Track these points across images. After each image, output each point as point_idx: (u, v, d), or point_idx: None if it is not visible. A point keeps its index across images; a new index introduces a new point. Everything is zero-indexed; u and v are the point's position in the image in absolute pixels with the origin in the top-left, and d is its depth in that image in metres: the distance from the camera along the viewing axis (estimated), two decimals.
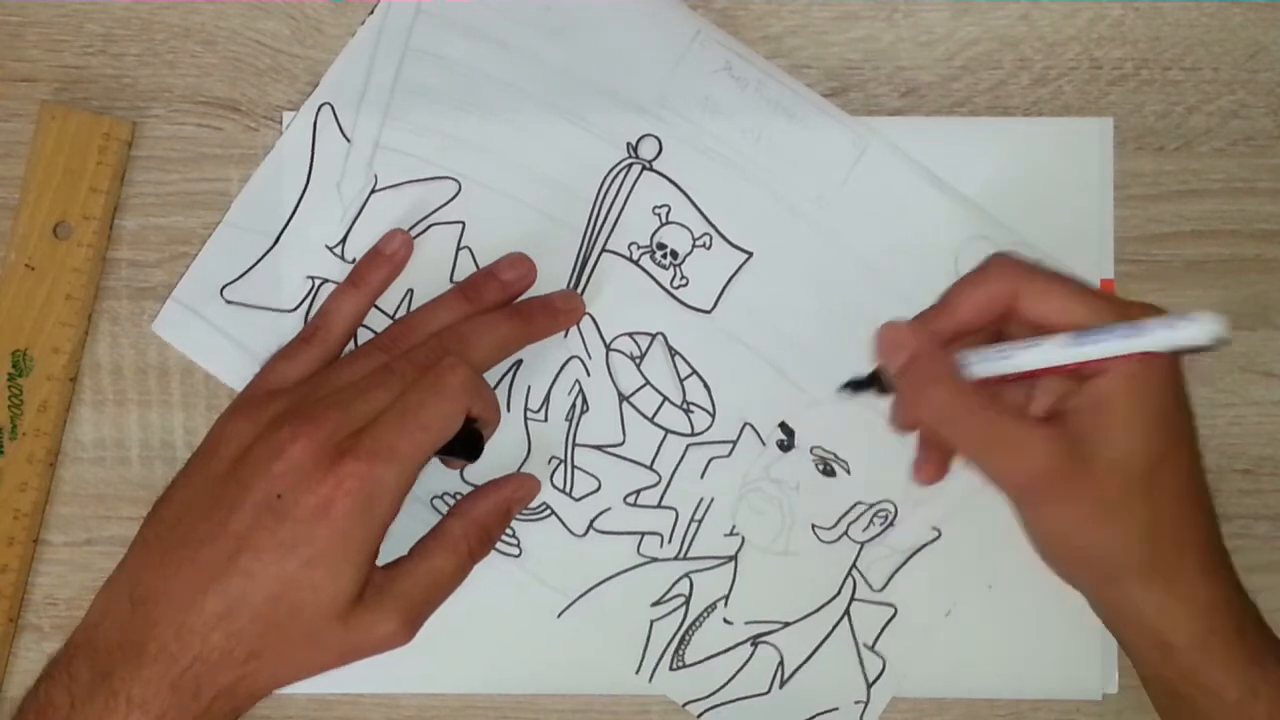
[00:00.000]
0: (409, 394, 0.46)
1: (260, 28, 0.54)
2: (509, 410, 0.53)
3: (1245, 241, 0.55)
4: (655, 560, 0.54)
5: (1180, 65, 0.55)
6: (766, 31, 0.54)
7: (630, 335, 0.53)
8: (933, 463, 0.49)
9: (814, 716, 0.54)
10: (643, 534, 0.54)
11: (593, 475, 0.54)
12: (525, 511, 0.53)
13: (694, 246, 0.53)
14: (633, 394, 0.53)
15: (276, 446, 0.45)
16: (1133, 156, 0.54)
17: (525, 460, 0.53)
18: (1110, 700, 0.54)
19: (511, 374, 0.53)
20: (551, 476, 0.53)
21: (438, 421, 0.46)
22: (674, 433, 0.54)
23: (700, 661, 0.54)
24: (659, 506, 0.54)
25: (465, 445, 0.49)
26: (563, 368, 0.53)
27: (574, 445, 0.54)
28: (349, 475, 0.44)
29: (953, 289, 0.46)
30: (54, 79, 0.54)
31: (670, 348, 0.53)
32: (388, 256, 0.52)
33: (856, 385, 0.48)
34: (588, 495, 0.54)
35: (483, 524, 0.50)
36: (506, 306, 0.52)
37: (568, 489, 0.54)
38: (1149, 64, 0.55)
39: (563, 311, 0.53)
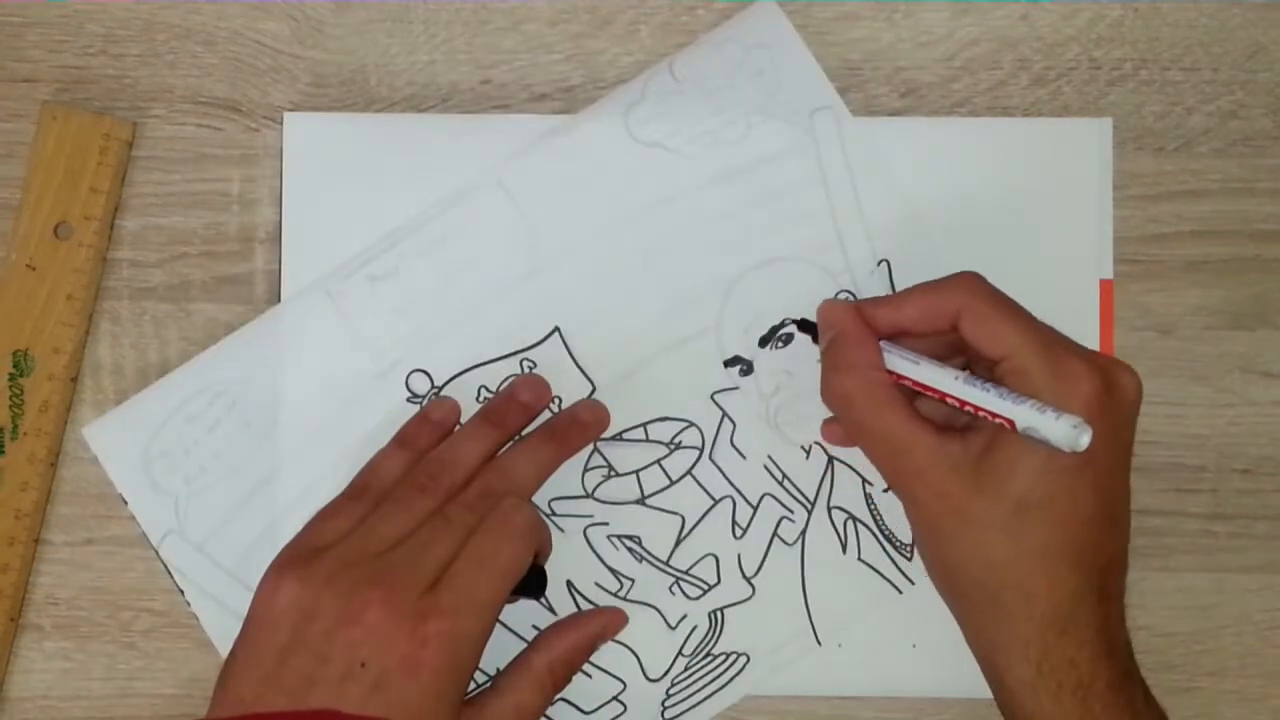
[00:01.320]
0: (479, 542, 0.46)
1: (261, 28, 0.55)
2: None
3: (1245, 241, 0.55)
4: (805, 532, 0.54)
5: (1179, 66, 0.55)
6: None
7: (587, 469, 0.53)
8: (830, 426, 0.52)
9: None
10: (775, 534, 0.54)
11: (702, 558, 0.54)
12: (711, 636, 0.54)
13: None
14: (642, 490, 0.54)
15: (350, 614, 0.43)
16: (1132, 157, 0.55)
17: (665, 619, 0.54)
18: None
19: (573, 593, 0.53)
20: (687, 594, 0.54)
21: (513, 566, 0.46)
22: (693, 466, 0.54)
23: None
24: (757, 508, 0.54)
25: (531, 583, 0.48)
26: (591, 545, 0.53)
27: (667, 564, 0.54)
28: (434, 635, 0.43)
29: (911, 288, 0.48)
30: (55, 79, 0.54)
31: (612, 438, 0.53)
32: (436, 422, 0.52)
33: (805, 325, 0.51)
34: (718, 570, 0.54)
35: (567, 660, 0.49)
36: (538, 430, 0.52)
37: (704, 587, 0.54)
38: (1148, 64, 0.55)
39: (590, 423, 0.53)
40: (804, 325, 0.51)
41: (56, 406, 0.53)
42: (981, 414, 0.45)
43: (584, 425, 0.52)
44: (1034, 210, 0.54)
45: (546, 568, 0.50)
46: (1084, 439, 0.42)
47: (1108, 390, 0.44)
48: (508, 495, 0.48)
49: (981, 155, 0.54)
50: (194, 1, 0.55)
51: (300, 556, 0.46)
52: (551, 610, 0.53)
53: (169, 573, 0.53)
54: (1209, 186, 0.55)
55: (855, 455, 0.53)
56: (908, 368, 0.47)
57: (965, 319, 0.46)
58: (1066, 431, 0.42)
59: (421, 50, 0.55)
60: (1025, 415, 0.43)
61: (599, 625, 0.51)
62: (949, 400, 0.46)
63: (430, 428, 0.52)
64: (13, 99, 0.54)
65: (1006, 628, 0.45)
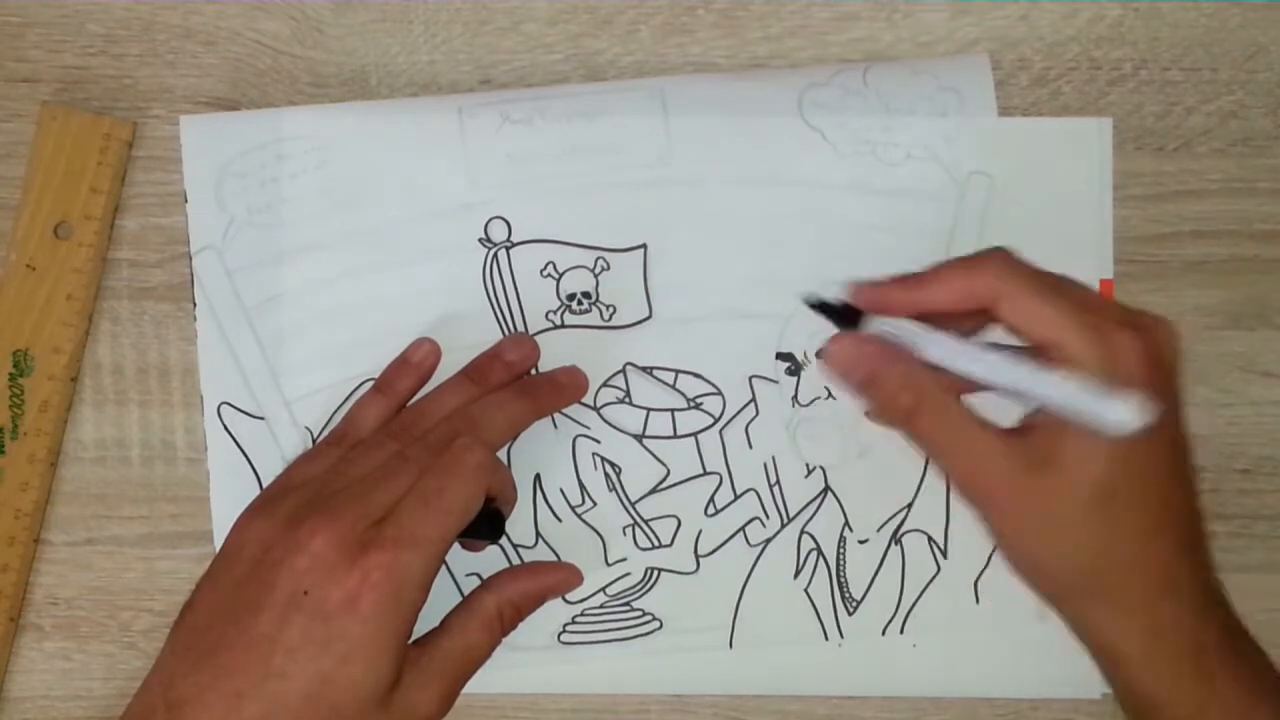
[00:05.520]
0: (427, 479, 0.46)
1: (261, 28, 0.55)
2: (560, 521, 0.54)
3: (1244, 241, 0.55)
4: (770, 541, 0.54)
5: (1179, 66, 0.55)
6: (766, 32, 0.54)
7: (605, 384, 0.54)
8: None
9: (982, 570, 0.54)
10: (742, 530, 0.54)
11: (666, 516, 0.54)
12: (639, 589, 0.54)
13: (596, 276, 0.54)
14: (645, 428, 0.54)
15: (297, 542, 0.43)
16: (1132, 157, 0.55)
17: (606, 552, 0.54)
18: (1110, 700, 0.54)
19: (537, 488, 0.54)
20: (636, 542, 0.54)
21: (459, 504, 0.46)
22: (701, 431, 0.54)
23: (868, 590, 0.54)
24: (738, 497, 0.54)
25: (486, 526, 0.48)
26: (575, 453, 0.54)
27: (633, 505, 0.54)
28: (375, 567, 0.43)
29: (941, 267, 0.44)
30: (55, 79, 0.55)
31: (643, 368, 0.54)
32: (415, 365, 0.52)
33: (822, 306, 0.44)
34: (675, 534, 0.54)
35: (517, 605, 0.49)
36: (513, 385, 0.52)
37: (655, 543, 0.54)
38: (1148, 64, 0.55)
39: (567, 386, 0.53)
40: (825, 308, 0.44)
41: (56, 406, 0.53)
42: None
43: (560, 387, 0.53)
44: (1034, 210, 0.54)
45: (524, 519, 0.50)
46: (1147, 417, 0.40)
47: (1156, 360, 0.43)
48: (463, 437, 0.47)
49: (982, 155, 0.54)
50: (194, 1, 0.55)
51: (271, 497, 0.47)
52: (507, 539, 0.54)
53: (191, 283, 0.53)
54: (1209, 186, 0.55)
55: (855, 501, 0.54)
56: (948, 358, 0.43)
57: (1003, 304, 0.43)
58: (1127, 415, 0.40)
59: (421, 50, 0.55)
60: (1078, 402, 0.41)
61: (555, 579, 0.51)
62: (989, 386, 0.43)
63: (410, 370, 0.52)
64: (13, 99, 0.54)
65: (1113, 608, 0.44)
